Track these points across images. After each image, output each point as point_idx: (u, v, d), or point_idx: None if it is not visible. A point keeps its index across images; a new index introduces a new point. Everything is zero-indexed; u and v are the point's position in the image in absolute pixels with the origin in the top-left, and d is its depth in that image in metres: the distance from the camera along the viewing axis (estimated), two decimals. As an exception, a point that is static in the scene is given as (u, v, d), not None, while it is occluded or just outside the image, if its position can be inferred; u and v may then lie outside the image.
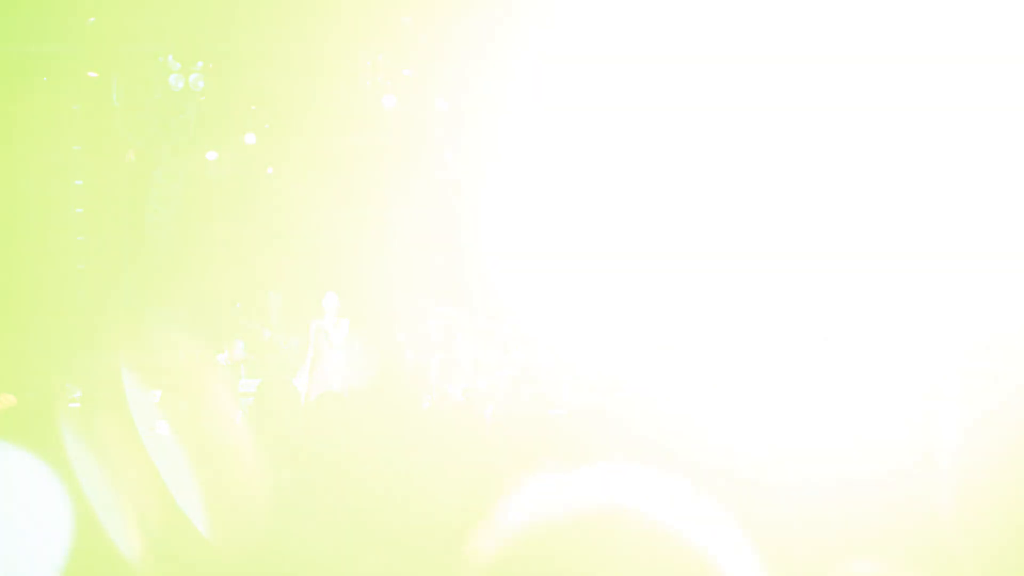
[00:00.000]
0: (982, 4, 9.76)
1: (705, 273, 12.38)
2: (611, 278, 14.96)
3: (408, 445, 4.31)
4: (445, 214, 15.18)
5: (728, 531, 0.97)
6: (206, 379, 3.92)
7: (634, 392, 12.43)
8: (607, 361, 13.12)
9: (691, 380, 12.58)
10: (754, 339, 11.00)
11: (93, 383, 11.71)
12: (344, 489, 2.78)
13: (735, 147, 11.97)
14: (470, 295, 14.78)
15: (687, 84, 11.42)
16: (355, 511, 2.72)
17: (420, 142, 13.97)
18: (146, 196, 12.88)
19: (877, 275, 10.61)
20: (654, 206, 14.34)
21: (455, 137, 13.79)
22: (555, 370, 13.01)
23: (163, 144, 11.56)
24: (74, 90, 11.53)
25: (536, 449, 5.51)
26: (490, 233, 15.34)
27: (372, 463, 4.04)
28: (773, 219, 11.69)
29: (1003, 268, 9.54)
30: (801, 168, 11.20)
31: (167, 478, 3.17)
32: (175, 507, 3.16)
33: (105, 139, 12.01)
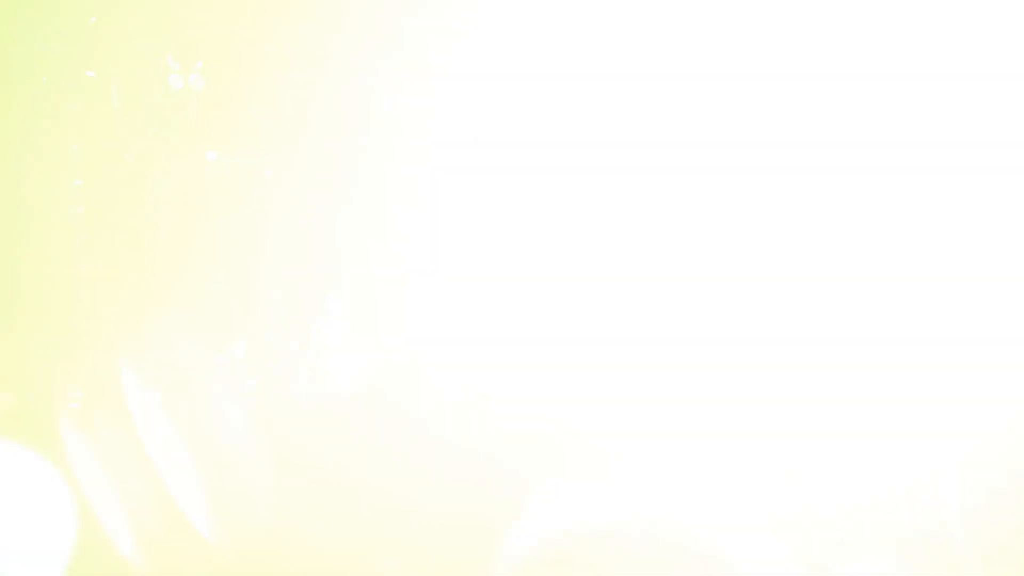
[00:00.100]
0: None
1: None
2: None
3: (408, 446, 4.31)
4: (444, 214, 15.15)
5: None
6: (206, 379, 3.93)
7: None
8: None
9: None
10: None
11: (93, 383, 11.81)
12: (344, 489, 2.78)
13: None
14: (471, 294, 14.76)
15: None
16: (355, 511, 2.72)
17: (420, 142, 13.98)
18: (146, 196, 12.89)
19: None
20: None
21: (452, 137, 13.79)
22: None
23: (163, 144, 11.57)
24: (74, 90, 11.54)
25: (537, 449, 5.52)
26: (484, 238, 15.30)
27: (372, 463, 4.05)
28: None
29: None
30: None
31: (167, 478, 3.17)
32: (175, 507, 3.16)
33: (105, 139, 12.01)
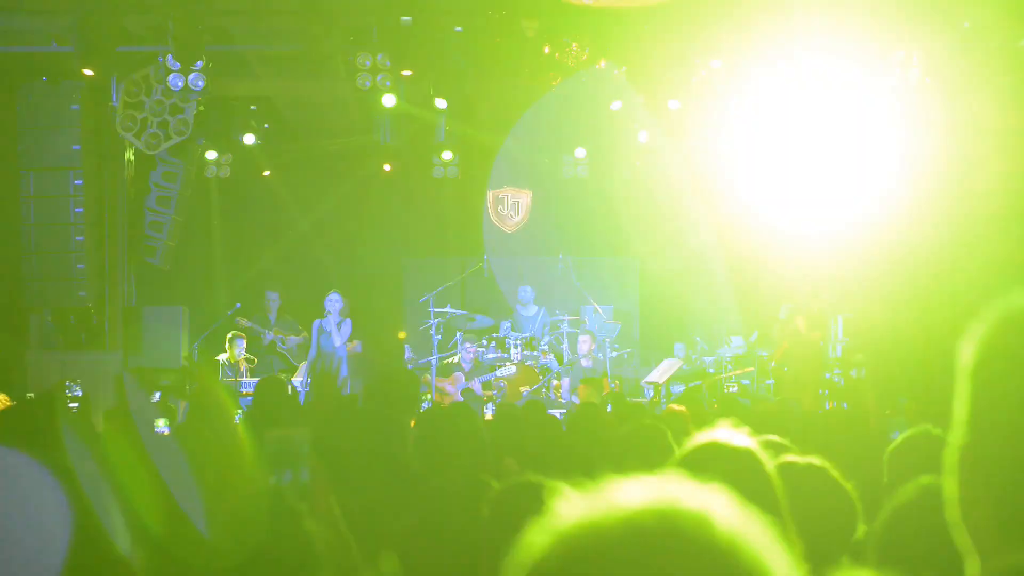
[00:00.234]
0: None
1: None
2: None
3: (408, 446, 4.31)
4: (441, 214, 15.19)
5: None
6: (207, 379, 3.92)
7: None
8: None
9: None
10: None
11: (94, 383, 11.73)
12: (344, 489, 2.78)
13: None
14: (469, 295, 14.79)
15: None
16: (355, 512, 2.72)
17: (420, 143, 13.99)
18: (146, 196, 12.88)
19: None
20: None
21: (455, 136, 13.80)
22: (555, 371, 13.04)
23: (163, 144, 11.56)
24: (74, 90, 11.53)
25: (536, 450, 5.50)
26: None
27: (373, 463, 4.05)
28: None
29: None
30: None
31: (167, 478, 3.17)
32: (175, 507, 3.16)
33: (105, 139, 12.01)
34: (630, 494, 0.95)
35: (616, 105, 12.62)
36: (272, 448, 2.26)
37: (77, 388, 10.26)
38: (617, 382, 12.88)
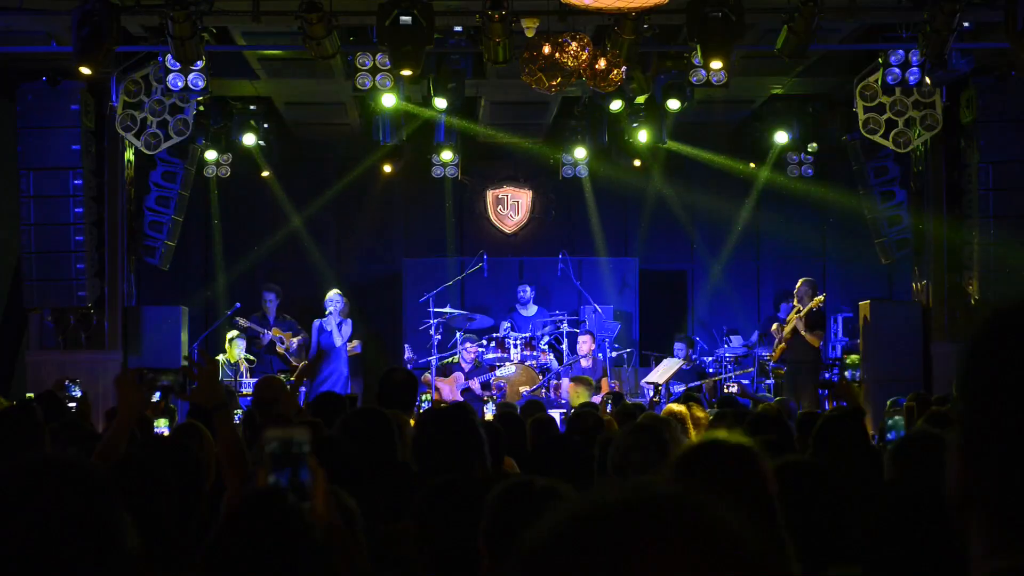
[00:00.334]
0: None
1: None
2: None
3: (409, 446, 4.31)
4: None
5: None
6: (207, 379, 3.92)
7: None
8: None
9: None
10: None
11: (94, 383, 11.73)
12: (344, 490, 2.79)
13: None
14: (469, 295, 14.79)
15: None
16: (355, 512, 2.73)
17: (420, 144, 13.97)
18: (146, 196, 12.87)
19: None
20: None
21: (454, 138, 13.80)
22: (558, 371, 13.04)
23: (163, 144, 11.55)
24: (74, 90, 11.53)
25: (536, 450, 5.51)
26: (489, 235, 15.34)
27: (373, 464, 4.05)
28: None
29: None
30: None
31: (167, 478, 3.17)
32: (176, 507, 3.16)
33: (105, 139, 12.00)
34: (628, 491, 0.96)
35: (616, 105, 12.62)
36: (272, 448, 2.26)
37: (77, 388, 10.25)
38: (617, 382, 12.88)
